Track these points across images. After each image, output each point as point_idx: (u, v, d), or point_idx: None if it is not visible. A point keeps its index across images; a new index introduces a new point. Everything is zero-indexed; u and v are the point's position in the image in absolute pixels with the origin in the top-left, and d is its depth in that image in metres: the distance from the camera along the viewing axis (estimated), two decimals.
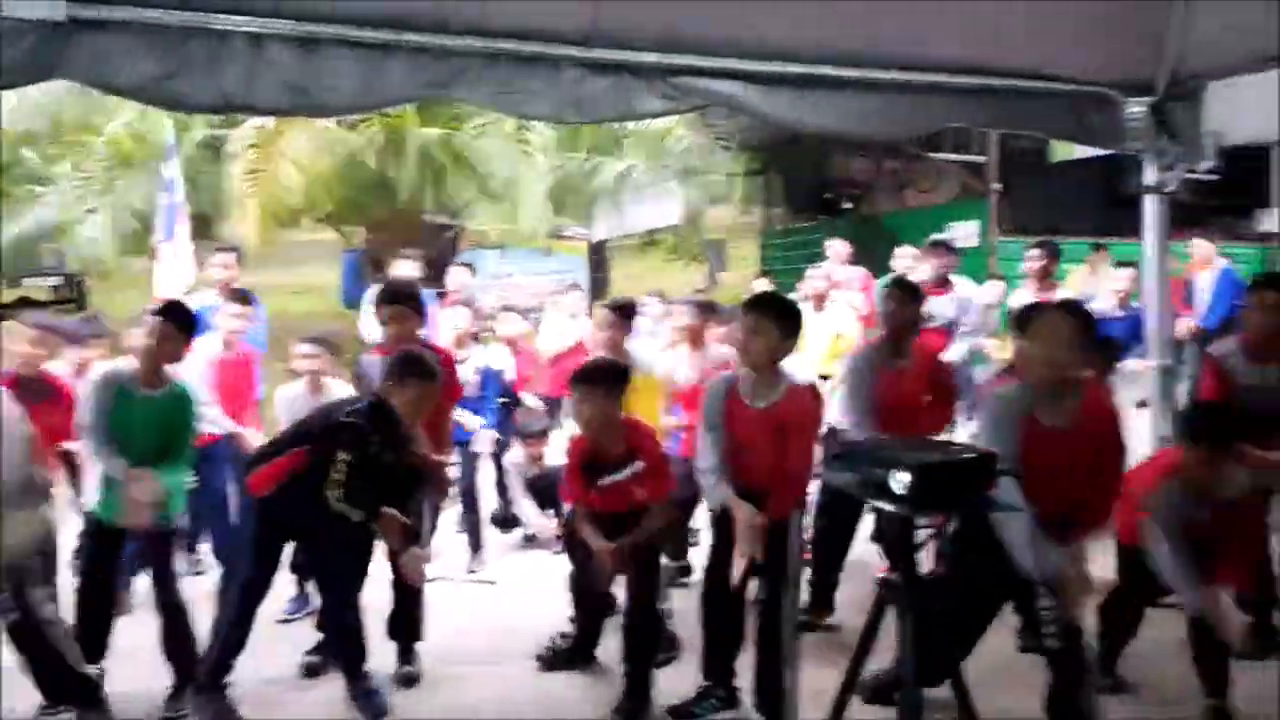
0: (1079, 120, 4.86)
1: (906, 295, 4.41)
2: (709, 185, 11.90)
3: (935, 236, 6.63)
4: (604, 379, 3.66)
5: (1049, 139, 7.65)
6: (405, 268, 6.27)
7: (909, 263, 6.85)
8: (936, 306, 6.01)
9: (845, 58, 4.11)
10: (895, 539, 2.33)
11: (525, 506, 5.75)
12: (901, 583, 2.30)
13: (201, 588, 5.01)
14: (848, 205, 16.22)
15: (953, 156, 14.14)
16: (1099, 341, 4.56)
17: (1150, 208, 5.13)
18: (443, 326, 5.88)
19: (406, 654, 4.07)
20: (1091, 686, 3.08)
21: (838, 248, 8.19)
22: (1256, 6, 4.19)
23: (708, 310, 5.27)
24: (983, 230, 12.05)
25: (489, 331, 6.57)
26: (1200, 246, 8.12)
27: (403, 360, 3.61)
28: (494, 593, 5.26)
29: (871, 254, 8.66)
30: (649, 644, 3.71)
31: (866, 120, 4.21)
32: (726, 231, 17.09)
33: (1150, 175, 5.02)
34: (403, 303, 4.08)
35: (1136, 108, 4.86)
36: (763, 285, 8.66)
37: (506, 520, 6.02)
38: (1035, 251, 6.00)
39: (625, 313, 4.97)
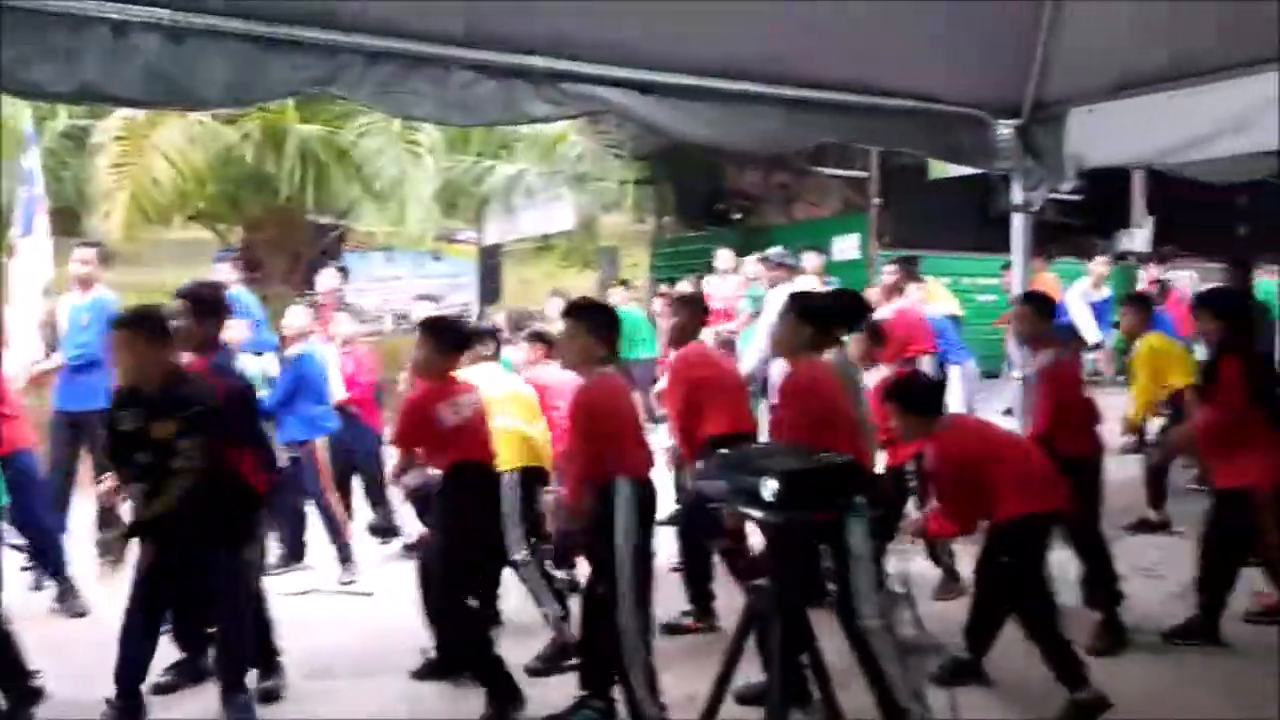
0: (952, 140, 5.09)
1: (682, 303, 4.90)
2: (601, 192, 11.91)
3: (768, 251, 6.92)
4: (440, 331, 3.90)
5: (925, 157, 7.93)
6: (221, 271, 6.18)
7: (758, 270, 7.22)
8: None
9: (730, 71, 4.18)
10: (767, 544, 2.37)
11: (404, 515, 5.63)
12: (772, 588, 2.35)
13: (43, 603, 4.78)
14: (738, 216, 16.51)
15: (837, 172, 14.59)
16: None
17: (1017, 225, 5.39)
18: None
19: (268, 669, 3.94)
20: (898, 680, 3.15)
21: (724, 259, 8.35)
22: (1113, 40, 4.46)
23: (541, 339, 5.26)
24: (863, 244, 12.44)
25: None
26: (1100, 264, 8.58)
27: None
28: (370, 604, 5.14)
29: None
30: (457, 640, 3.70)
31: (749, 133, 4.30)
32: (620, 239, 17.15)
33: (1017, 194, 5.27)
34: (185, 298, 3.95)
35: (1004, 130, 5.11)
36: (618, 293, 8.89)
37: (384, 529, 5.90)
38: (891, 267, 6.32)
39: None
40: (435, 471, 3.95)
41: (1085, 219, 15.95)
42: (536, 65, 3.79)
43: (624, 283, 11.04)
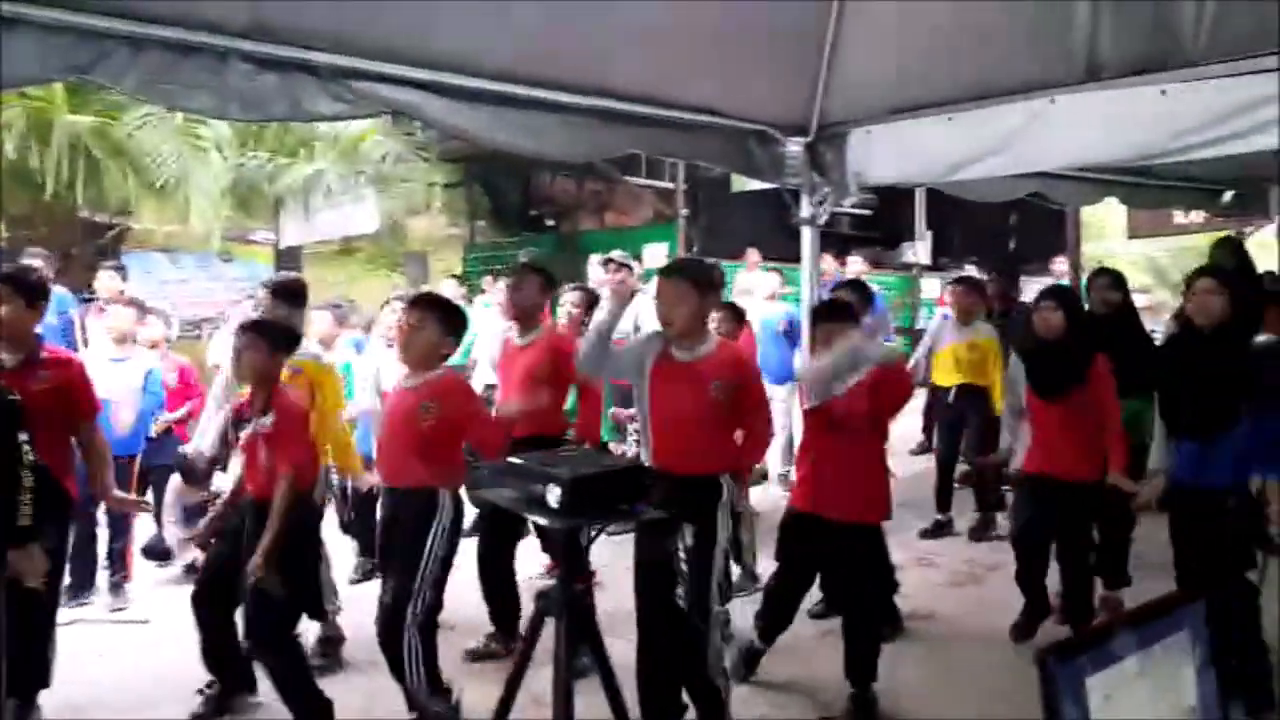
0: (746, 155, 5.27)
1: (521, 277, 4.63)
2: (408, 194, 11.61)
3: (612, 253, 7.03)
4: (270, 334, 3.66)
5: (722, 170, 8.21)
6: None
7: (600, 272, 7.29)
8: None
9: (527, 76, 4.16)
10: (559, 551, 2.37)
11: (177, 535, 5.27)
12: (559, 594, 2.35)
13: None
14: (551, 223, 16.56)
15: (646, 182, 14.90)
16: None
17: (806, 237, 5.66)
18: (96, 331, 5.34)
19: (25, 708, 3.57)
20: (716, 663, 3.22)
21: None
22: (886, 68, 4.76)
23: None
24: (671, 252, 12.74)
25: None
26: (853, 263, 9.13)
27: None
28: (146, 632, 4.76)
29: (572, 271, 8.93)
30: (283, 670, 3.51)
31: (546, 139, 4.27)
32: (430, 243, 16.81)
33: (805, 208, 5.54)
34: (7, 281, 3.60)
35: (794, 147, 5.35)
36: (451, 286, 8.76)
37: (161, 552, 5.48)
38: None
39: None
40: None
41: (875, 232, 17.10)
42: (324, 61, 3.64)
43: (458, 277, 10.83)
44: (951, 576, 5.19)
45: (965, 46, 4.44)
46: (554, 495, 2.21)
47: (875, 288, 8.88)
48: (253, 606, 3.42)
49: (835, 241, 16.33)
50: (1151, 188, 7.53)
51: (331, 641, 4.21)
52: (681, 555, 3.05)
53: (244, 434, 3.62)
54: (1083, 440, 4.13)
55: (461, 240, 16.94)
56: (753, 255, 9.67)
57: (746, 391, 3.27)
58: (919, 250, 15.28)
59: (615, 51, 4.28)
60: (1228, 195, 8.13)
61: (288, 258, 12.67)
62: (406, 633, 3.23)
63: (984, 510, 6.12)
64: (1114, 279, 5.12)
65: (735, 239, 13.49)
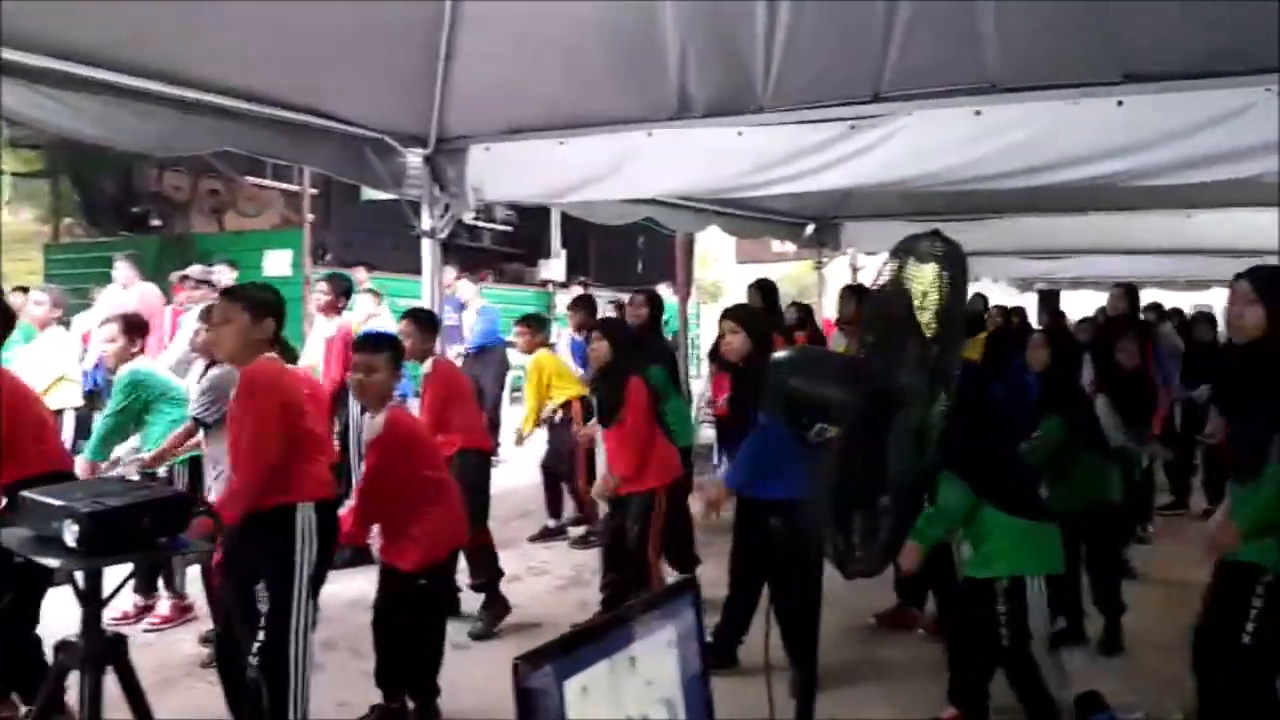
0: (363, 163, 5.08)
1: None
2: None
3: (189, 269, 6.56)
4: None
5: (335, 177, 7.95)
6: None
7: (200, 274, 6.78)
8: None
9: (99, 57, 3.67)
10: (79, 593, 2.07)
11: None
12: (84, 646, 2.05)
13: None
14: (158, 223, 14.95)
15: (270, 183, 13.97)
16: None
17: (426, 249, 5.57)
18: None
19: None
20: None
21: (123, 272, 7.55)
22: (500, 89, 4.82)
23: None
24: (296, 260, 12.01)
25: None
26: (464, 287, 9.22)
27: None
28: None
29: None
30: None
31: (114, 127, 3.77)
32: (6, 241, 14.49)
33: (425, 221, 5.45)
34: None
35: (414, 158, 5.26)
36: None
37: None
38: (324, 285, 6.26)
39: None
40: None
41: (517, 248, 17.47)
42: None
43: (24, 289, 9.28)
44: (560, 582, 5.36)
45: (572, 75, 4.61)
46: (71, 533, 1.92)
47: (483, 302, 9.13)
48: None
49: (477, 256, 16.45)
50: (747, 219, 8.38)
51: None
52: (259, 601, 2.83)
53: None
54: (628, 458, 4.44)
55: (44, 237, 14.79)
56: (360, 273, 9.27)
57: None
58: (553, 268, 15.82)
59: (204, 38, 3.90)
60: (810, 228, 9.29)
61: None
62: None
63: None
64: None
65: (369, 247, 13.07)
